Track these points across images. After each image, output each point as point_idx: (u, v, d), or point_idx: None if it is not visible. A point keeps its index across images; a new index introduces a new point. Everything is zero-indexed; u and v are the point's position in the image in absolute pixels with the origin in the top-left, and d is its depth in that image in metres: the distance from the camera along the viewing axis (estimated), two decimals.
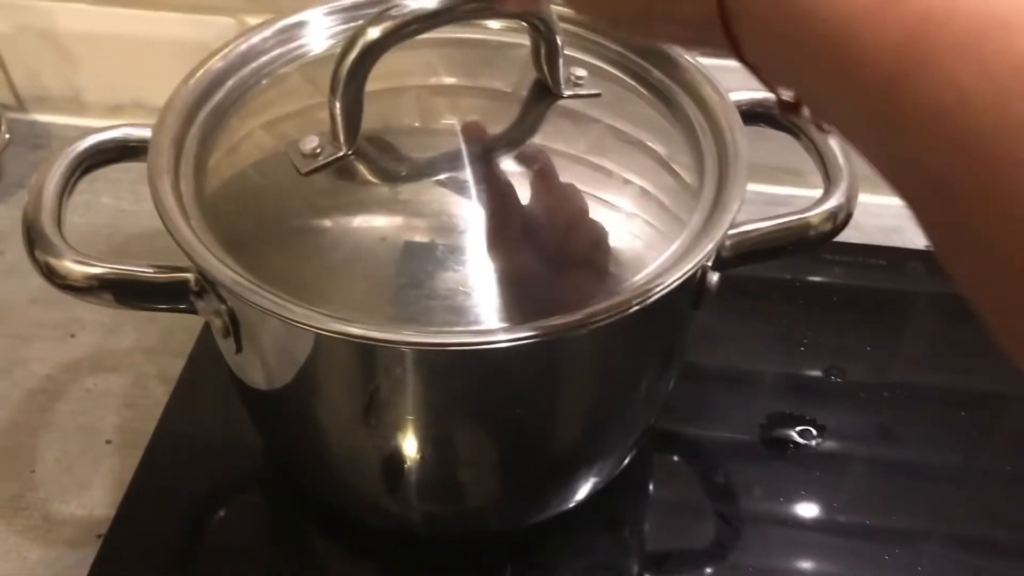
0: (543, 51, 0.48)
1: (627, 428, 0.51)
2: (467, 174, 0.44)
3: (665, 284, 0.40)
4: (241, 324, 0.43)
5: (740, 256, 0.47)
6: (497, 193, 0.43)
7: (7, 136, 0.77)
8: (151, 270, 0.44)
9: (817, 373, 0.64)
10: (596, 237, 0.43)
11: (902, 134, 0.25)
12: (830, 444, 0.60)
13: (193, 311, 0.45)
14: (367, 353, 0.40)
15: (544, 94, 0.49)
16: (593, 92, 0.49)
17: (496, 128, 0.46)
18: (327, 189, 0.44)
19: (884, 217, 0.74)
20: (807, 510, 0.57)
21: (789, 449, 0.60)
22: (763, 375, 0.64)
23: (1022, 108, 0.22)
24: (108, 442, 0.59)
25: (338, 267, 0.41)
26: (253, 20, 0.72)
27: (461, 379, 0.42)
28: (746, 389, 0.63)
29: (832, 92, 0.27)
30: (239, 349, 0.45)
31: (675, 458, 0.60)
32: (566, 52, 0.48)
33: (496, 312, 0.39)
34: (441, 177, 0.44)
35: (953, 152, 0.24)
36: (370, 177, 0.44)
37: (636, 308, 0.39)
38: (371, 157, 0.45)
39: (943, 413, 0.62)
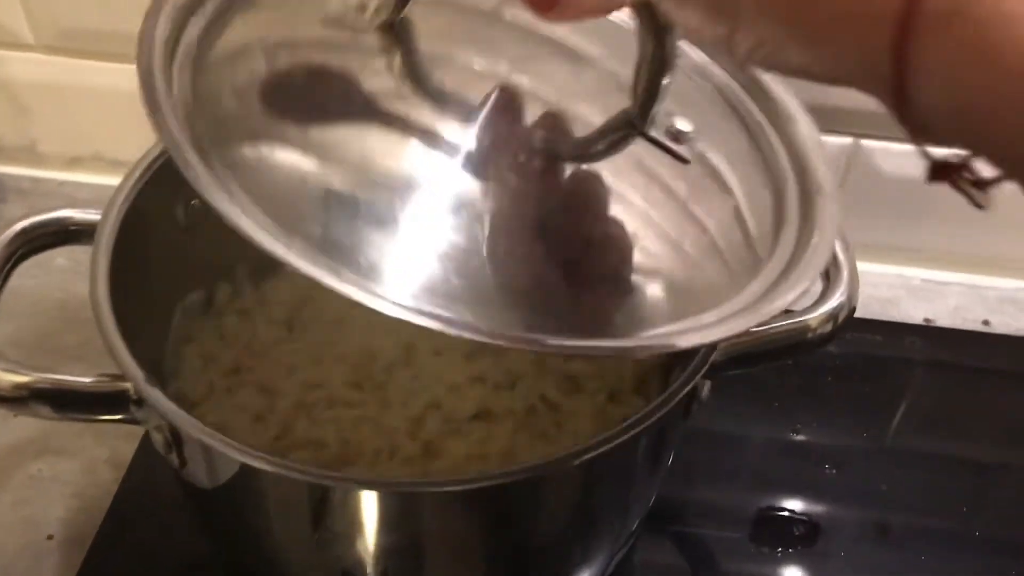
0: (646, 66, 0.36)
1: (611, 541, 0.48)
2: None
3: (647, 421, 0.36)
4: (184, 443, 0.39)
5: (733, 360, 0.44)
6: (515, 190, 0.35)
7: None
8: (89, 379, 0.40)
9: (810, 464, 0.60)
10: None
11: None
12: (823, 543, 0.56)
13: (135, 422, 0.41)
14: (318, 492, 0.37)
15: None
16: (682, 155, 0.37)
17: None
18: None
19: (880, 287, 0.71)
20: None
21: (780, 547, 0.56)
22: (754, 463, 0.61)
23: None
24: (50, 537, 0.55)
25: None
26: None
27: (417, 520, 0.38)
28: (736, 479, 0.60)
29: None
30: (183, 464, 0.41)
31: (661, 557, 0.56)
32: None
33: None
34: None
35: None
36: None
37: (621, 440, 0.36)
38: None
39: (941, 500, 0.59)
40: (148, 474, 0.57)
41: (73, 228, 0.46)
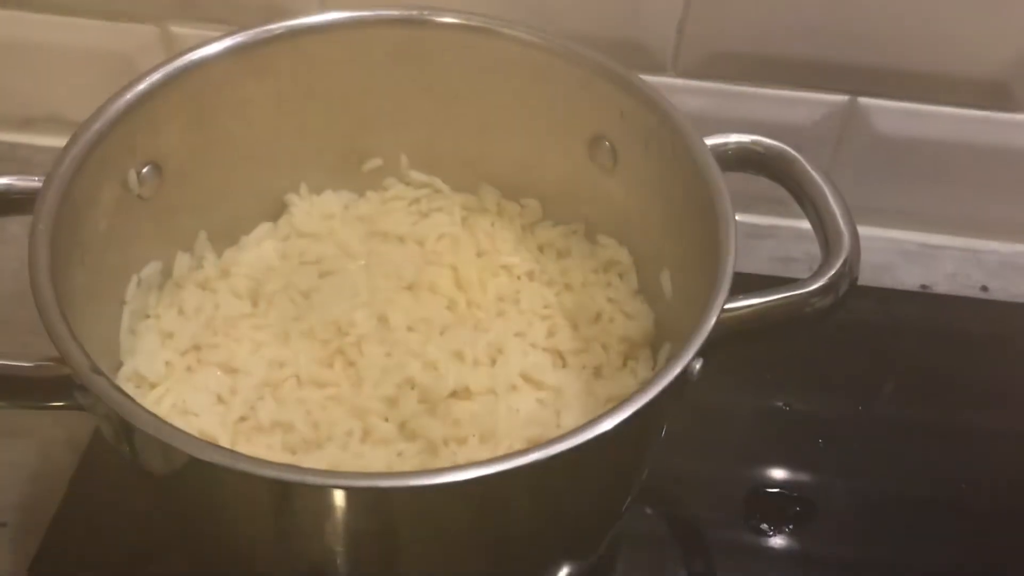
0: None
1: (602, 521, 0.45)
2: None
3: (640, 402, 0.33)
4: (134, 433, 0.36)
5: (728, 338, 0.41)
6: None
7: None
8: (30, 364, 0.37)
9: (802, 437, 0.58)
10: None
11: None
12: (814, 517, 0.54)
13: (82, 408, 0.38)
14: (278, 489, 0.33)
15: None
16: None
17: None
18: None
19: (875, 252, 0.68)
20: None
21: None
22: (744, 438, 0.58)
23: None
24: (3, 525, 0.52)
25: None
26: (176, 28, 0.64)
27: (387, 516, 0.35)
28: (727, 455, 0.57)
29: None
30: (134, 455, 0.38)
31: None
32: None
33: None
34: None
35: None
36: None
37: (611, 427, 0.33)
38: None
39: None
40: (107, 457, 0.53)
41: (15, 196, 0.42)
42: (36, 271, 0.37)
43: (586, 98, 0.50)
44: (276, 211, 0.55)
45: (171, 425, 0.33)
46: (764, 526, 0.54)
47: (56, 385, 0.37)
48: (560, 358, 0.50)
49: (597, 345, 0.50)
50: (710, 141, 0.46)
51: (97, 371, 0.34)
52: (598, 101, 0.49)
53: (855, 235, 0.43)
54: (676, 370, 0.35)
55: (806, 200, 0.45)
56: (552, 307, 0.52)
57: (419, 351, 0.48)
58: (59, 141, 0.69)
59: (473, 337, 0.49)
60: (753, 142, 0.47)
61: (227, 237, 0.54)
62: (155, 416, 0.33)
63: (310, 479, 0.32)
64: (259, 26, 0.49)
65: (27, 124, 0.72)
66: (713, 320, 0.37)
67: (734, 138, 0.47)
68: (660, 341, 0.50)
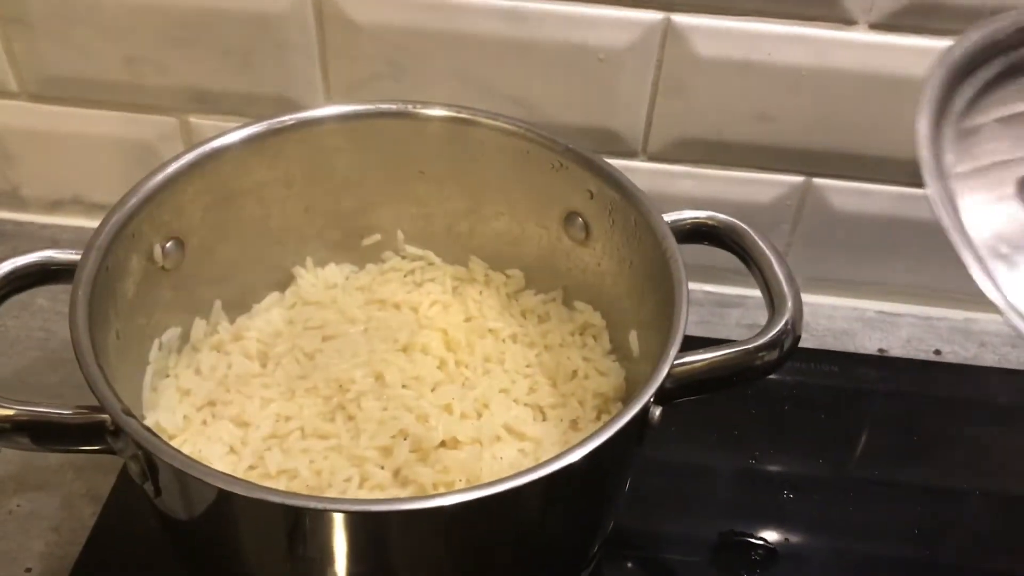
0: None
1: (570, 562, 0.49)
2: None
3: (598, 440, 0.38)
4: (159, 471, 0.41)
5: (683, 388, 0.46)
6: None
7: None
8: (69, 411, 0.42)
9: (769, 490, 0.62)
10: None
11: None
12: (782, 568, 0.58)
13: (112, 452, 0.43)
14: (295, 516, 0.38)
15: None
16: None
17: None
18: None
19: (836, 320, 0.74)
20: None
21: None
22: (714, 490, 0.63)
23: None
24: (28, 571, 0.56)
25: None
26: (195, 119, 0.71)
27: (382, 542, 0.40)
28: (697, 506, 0.62)
29: None
30: (158, 493, 0.43)
31: None
32: None
33: None
34: None
35: None
36: None
37: (577, 459, 0.38)
38: None
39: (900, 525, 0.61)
40: (126, 508, 0.58)
41: (54, 268, 0.48)
42: (77, 330, 0.42)
43: (560, 179, 0.55)
44: (284, 282, 0.61)
45: (195, 460, 0.38)
46: (733, 574, 0.58)
47: (90, 430, 0.42)
48: (540, 412, 0.55)
49: (574, 400, 0.55)
50: (669, 217, 0.52)
51: (129, 413, 0.39)
52: (571, 181, 0.55)
53: (798, 297, 0.49)
54: (633, 410, 0.40)
55: (754, 266, 0.50)
56: (533, 366, 0.57)
57: (412, 405, 0.53)
58: (84, 222, 0.77)
59: (461, 393, 0.54)
60: (708, 217, 0.52)
61: (240, 305, 0.59)
62: (180, 452, 0.38)
63: (314, 504, 0.36)
64: (272, 118, 0.55)
65: (55, 206, 0.78)
66: (666, 370, 0.42)
67: (690, 214, 0.52)
68: (630, 395, 0.55)
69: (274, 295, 0.60)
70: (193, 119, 0.71)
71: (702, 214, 0.52)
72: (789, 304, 0.48)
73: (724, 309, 0.74)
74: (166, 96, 0.70)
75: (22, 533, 0.58)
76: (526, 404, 0.55)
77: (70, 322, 0.42)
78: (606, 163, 0.54)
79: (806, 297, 0.50)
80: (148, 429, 0.39)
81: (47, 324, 0.71)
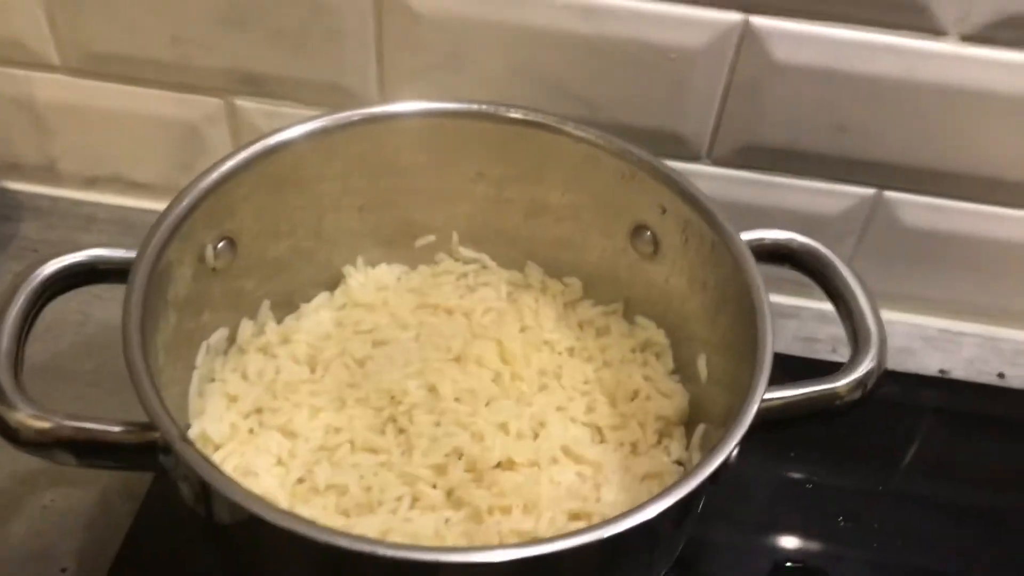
0: None
1: None
2: None
3: (684, 491, 0.36)
4: (214, 500, 0.39)
5: (763, 425, 0.44)
6: None
7: None
8: (118, 428, 0.40)
9: (824, 514, 0.60)
10: None
11: None
12: None
13: (164, 473, 0.41)
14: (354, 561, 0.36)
15: None
16: None
17: None
18: None
19: (896, 336, 0.71)
20: None
21: None
22: (767, 515, 0.61)
23: None
24: (63, 570, 0.54)
25: None
26: (240, 102, 0.68)
27: None
28: (751, 531, 0.59)
29: None
30: (210, 517, 0.41)
31: None
32: None
33: None
34: None
35: None
36: None
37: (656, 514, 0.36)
38: None
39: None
40: (163, 505, 0.56)
41: (103, 268, 0.46)
42: (130, 348, 0.40)
43: (631, 190, 0.53)
44: (333, 281, 0.59)
45: (259, 497, 0.36)
46: None
47: (141, 450, 0.40)
48: (599, 433, 0.53)
49: (634, 422, 0.53)
50: (748, 236, 0.49)
51: (186, 439, 0.37)
52: (641, 193, 0.53)
53: (882, 332, 0.46)
54: (719, 459, 0.38)
55: (837, 297, 0.48)
56: (591, 383, 0.55)
57: (466, 422, 0.51)
58: (121, 200, 0.75)
59: (517, 410, 0.52)
60: (789, 239, 0.50)
61: (287, 305, 0.57)
62: (240, 485, 0.36)
63: (381, 551, 0.34)
64: (336, 112, 0.52)
65: (91, 183, 0.76)
66: (753, 413, 0.40)
67: (770, 234, 0.50)
68: (693, 420, 0.53)
69: (323, 295, 0.58)
70: (239, 101, 0.68)
71: (782, 235, 0.50)
72: (874, 340, 0.46)
73: (779, 320, 0.71)
74: (212, 77, 0.67)
75: (57, 530, 0.56)
76: (584, 424, 0.53)
77: (123, 336, 0.40)
78: (682, 177, 0.51)
79: None
80: (207, 459, 0.37)
81: (84, 307, 0.69)
